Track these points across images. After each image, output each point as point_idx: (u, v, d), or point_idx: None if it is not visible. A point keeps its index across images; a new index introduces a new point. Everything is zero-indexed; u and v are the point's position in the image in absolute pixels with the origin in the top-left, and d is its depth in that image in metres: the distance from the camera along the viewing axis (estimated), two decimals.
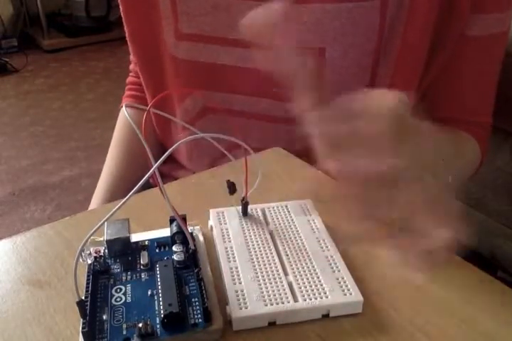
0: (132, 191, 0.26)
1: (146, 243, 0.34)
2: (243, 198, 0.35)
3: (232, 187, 0.35)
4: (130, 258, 0.32)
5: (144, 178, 0.27)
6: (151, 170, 0.27)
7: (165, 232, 0.34)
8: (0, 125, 1.99)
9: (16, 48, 2.59)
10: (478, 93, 0.53)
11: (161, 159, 0.28)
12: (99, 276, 0.31)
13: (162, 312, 0.27)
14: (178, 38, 0.51)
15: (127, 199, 0.26)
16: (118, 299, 0.29)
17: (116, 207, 0.25)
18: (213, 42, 0.50)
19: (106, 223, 0.32)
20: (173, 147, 0.28)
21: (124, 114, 0.63)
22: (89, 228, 0.35)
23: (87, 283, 0.29)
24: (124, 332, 0.27)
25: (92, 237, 0.32)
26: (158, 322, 0.28)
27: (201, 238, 0.35)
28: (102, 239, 0.32)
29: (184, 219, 0.33)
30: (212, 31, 0.50)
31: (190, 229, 0.34)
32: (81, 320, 0.27)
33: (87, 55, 2.65)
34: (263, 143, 0.56)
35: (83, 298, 0.28)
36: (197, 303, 0.29)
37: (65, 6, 2.68)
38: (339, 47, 0.47)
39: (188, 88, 0.56)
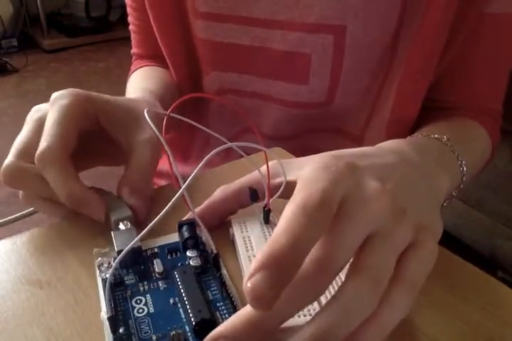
0: (168, 205, 0.25)
1: (156, 250, 0.32)
2: (265, 205, 0.33)
3: (254, 195, 0.33)
4: (143, 267, 0.31)
5: (181, 189, 0.26)
6: (183, 187, 0.25)
7: (171, 238, 0.33)
8: (0, 125, 1.99)
9: (16, 48, 2.59)
10: (491, 77, 0.51)
11: (195, 170, 0.26)
12: (114, 289, 0.30)
13: (193, 319, 0.26)
14: (195, 16, 0.51)
15: (170, 204, 0.25)
16: (140, 310, 0.28)
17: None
18: (228, 21, 0.50)
19: (112, 233, 0.32)
20: (207, 157, 0.26)
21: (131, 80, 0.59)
22: (89, 228, 0.35)
23: (108, 298, 0.28)
24: None
25: (96, 249, 0.32)
26: (188, 330, 0.27)
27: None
28: (107, 249, 0.32)
29: (192, 223, 0.32)
30: (227, 9, 0.49)
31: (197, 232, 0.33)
32: (109, 335, 0.26)
33: (87, 55, 2.65)
34: (275, 128, 0.56)
35: (108, 313, 0.27)
36: (223, 307, 0.28)
37: (65, 6, 2.68)
38: (360, 25, 0.46)
39: (205, 68, 0.55)
